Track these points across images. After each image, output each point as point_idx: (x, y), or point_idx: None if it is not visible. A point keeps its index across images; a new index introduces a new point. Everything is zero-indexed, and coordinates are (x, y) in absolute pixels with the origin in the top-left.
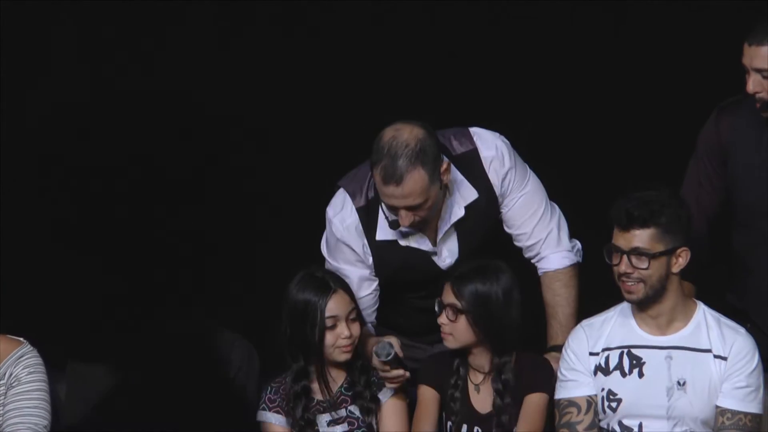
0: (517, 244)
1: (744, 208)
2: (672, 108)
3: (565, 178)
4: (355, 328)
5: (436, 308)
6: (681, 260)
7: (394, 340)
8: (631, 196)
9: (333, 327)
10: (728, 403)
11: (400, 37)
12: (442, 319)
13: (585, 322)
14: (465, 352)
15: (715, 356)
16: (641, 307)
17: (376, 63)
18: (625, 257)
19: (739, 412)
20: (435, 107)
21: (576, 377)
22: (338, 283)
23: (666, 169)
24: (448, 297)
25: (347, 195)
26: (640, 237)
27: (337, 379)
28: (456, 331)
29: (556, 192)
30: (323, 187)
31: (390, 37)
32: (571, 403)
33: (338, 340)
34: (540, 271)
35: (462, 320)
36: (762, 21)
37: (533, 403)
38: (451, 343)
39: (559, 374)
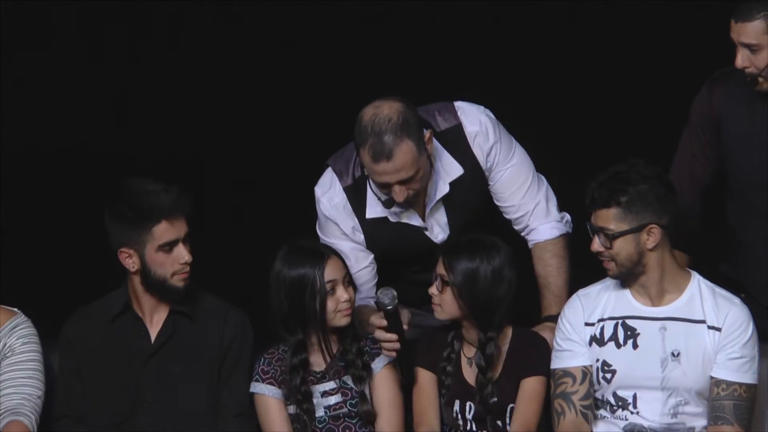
0: (506, 216)
1: (736, 180)
2: (665, 80)
3: (559, 151)
4: (351, 292)
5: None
6: (653, 237)
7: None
8: (600, 175)
9: (333, 292)
10: (723, 374)
11: (384, 15)
12: (432, 290)
13: (581, 292)
14: (459, 326)
15: (709, 327)
16: (626, 280)
17: (361, 42)
18: (596, 236)
19: (733, 383)
20: (422, 85)
21: (571, 347)
22: (329, 249)
23: (660, 142)
24: (439, 268)
25: (334, 174)
26: (604, 217)
27: (329, 351)
28: (443, 302)
29: (549, 165)
30: (308, 160)
31: (374, 15)
32: (566, 373)
33: (339, 304)
34: (530, 244)
35: (448, 292)
36: None
37: (530, 387)
38: (439, 314)
39: (554, 344)
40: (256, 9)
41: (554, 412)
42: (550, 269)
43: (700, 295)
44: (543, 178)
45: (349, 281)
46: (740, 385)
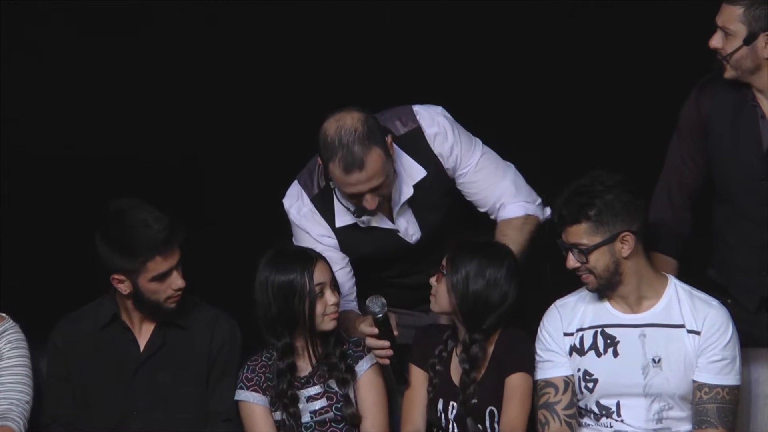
0: (479, 210)
1: (723, 183)
2: (654, 82)
3: (545, 152)
4: (337, 295)
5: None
6: (627, 245)
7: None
8: (562, 192)
9: (321, 295)
10: (705, 377)
11: (369, 17)
12: (432, 279)
13: (559, 302)
14: (455, 325)
15: (689, 331)
16: (604, 291)
17: (349, 45)
18: (569, 253)
19: (716, 386)
20: (406, 87)
21: (552, 358)
22: (316, 253)
23: (649, 145)
24: (444, 259)
25: (300, 186)
26: (575, 233)
27: (313, 356)
28: (438, 293)
29: (534, 164)
30: (296, 164)
31: (360, 17)
32: (548, 383)
33: (327, 307)
34: (498, 221)
35: (443, 283)
36: None
37: (513, 384)
38: (433, 305)
39: (536, 355)
40: (247, 9)
41: (538, 422)
42: (506, 239)
43: (678, 299)
44: (511, 167)
45: (334, 285)
46: (723, 387)
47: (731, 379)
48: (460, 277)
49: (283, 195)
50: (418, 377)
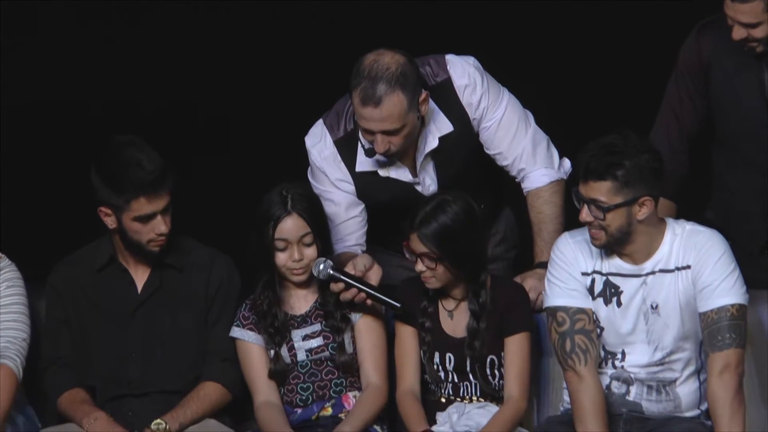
0: (498, 164)
1: (724, 129)
2: (657, 35)
3: (555, 100)
4: (309, 252)
5: (407, 255)
6: (645, 209)
7: (362, 258)
8: (592, 145)
9: (283, 249)
10: (712, 303)
11: None
12: (420, 267)
13: (572, 238)
14: None
15: (679, 269)
16: (611, 248)
17: None
18: (585, 206)
19: (724, 307)
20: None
21: (577, 287)
22: (298, 207)
23: (652, 89)
24: (419, 247)
25: (325, 127)
26: (598, 189)
27: (311, 295)
28: (437, 274)
29: (546, 114)
30: (301, 105)
31: None
32: (581, 311)
33: (288, 262)
34: (524, 192)
35: (440, 267)
36: None
37: (519, 344)
38: (433, 284)
39: (556, 282)
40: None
41: (577, 348)
42: (542, 216)
43: (673, 242)
44: (532, 122)
45: (309, 242)
46: (731, 306)
47: (735, 296)
48: (449, 248)
49: (287, 139)
50: (406, 334)
